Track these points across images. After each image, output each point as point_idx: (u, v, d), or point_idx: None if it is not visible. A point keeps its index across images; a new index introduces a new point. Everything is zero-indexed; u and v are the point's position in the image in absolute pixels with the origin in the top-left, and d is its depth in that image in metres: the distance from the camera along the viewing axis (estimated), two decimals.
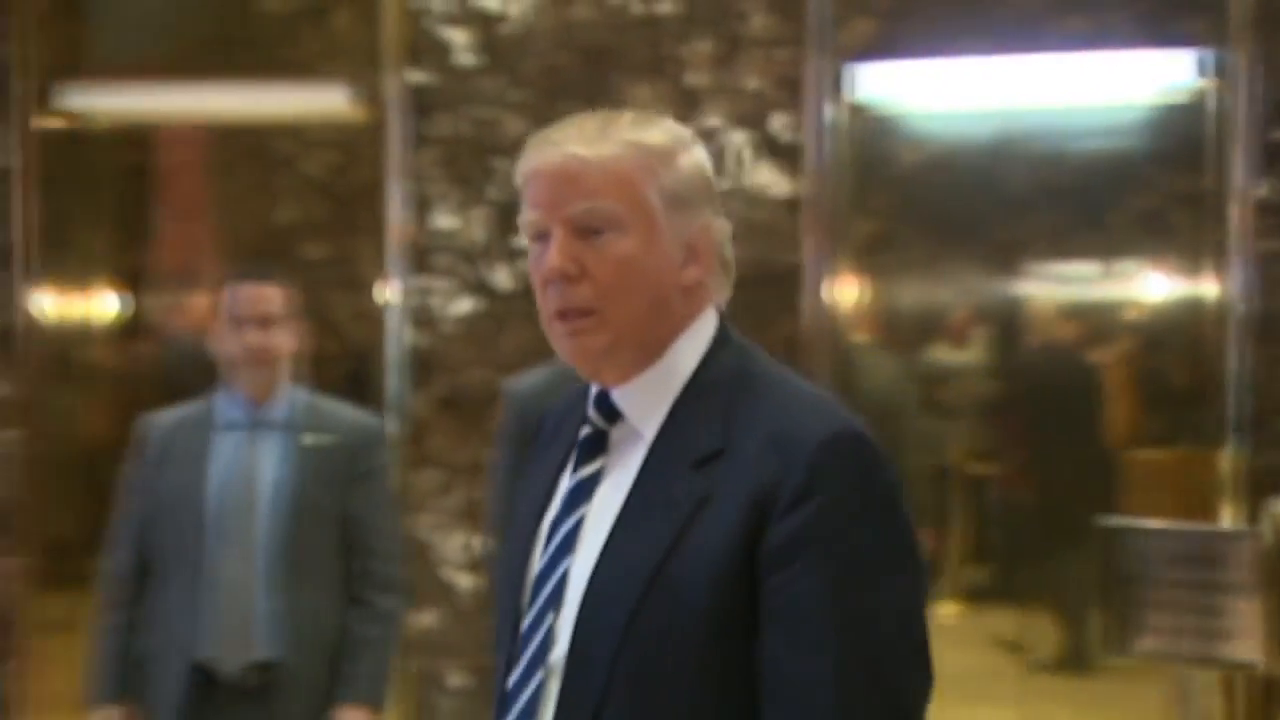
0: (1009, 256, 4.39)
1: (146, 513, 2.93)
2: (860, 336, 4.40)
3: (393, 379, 4.28)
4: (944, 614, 4.42)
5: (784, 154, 4.15)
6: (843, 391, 4.15)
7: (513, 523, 1.50)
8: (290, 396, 2.95)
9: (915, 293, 4.51)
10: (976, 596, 4.52)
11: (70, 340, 4.75)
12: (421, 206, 4.32)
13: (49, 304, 4.57)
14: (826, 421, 1.29)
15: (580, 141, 1.36)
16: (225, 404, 2.93)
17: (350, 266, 4.61)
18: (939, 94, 4.35)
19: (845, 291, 4.27)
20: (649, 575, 1.30)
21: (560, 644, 1.35)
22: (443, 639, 4.25)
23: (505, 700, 1.39)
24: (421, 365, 4.31)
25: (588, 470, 1.42)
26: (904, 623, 1.26)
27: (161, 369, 4.78)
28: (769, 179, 4.16)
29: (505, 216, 4.28)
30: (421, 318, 4.31)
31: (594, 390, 1.42)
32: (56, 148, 4.62)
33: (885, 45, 4.16)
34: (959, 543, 4.59)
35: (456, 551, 4.26)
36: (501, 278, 4.28)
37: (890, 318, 4.50)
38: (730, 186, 4.14)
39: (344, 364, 4.55)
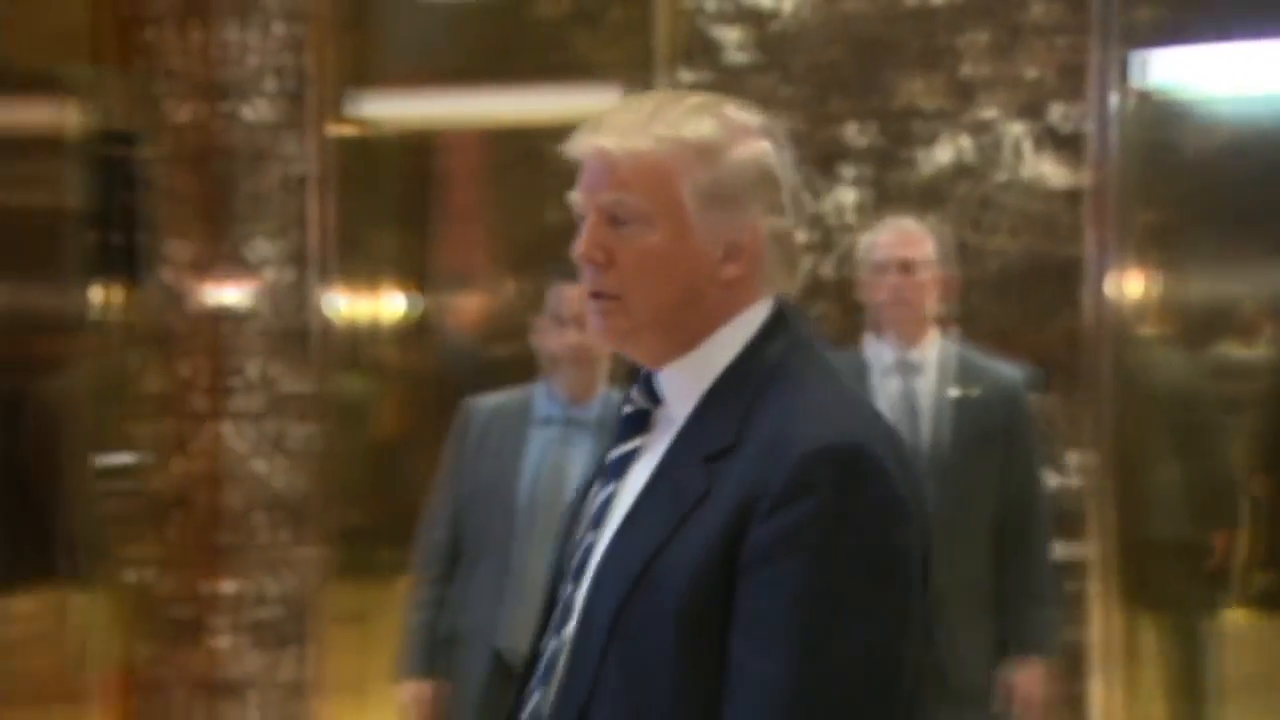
0: None
1: (462, 496, 3.03)
2: (1145, 331, 4.24)
3: None
4: (1234, 620, 4.24)
5: (1065, 144, 4.02)
6: (1126, 388, 4.05)
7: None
8: (605, 398, 2.99)
9: (1203, 286, 4.31)
10: (1268, 602, 4.31)
11: (361, 338, 4.93)
12: None
13: (342, 304, 4.77)
14: (828, 429, 1.25)
15: (619, 132, 1.38)
16: (543, 399, 3.00)
17: None
18: (1230, 79, 4.16)
19: (1129, 285, 4.13)
20: (639, 568, 1.29)
21: (573, 619, 1.37)
22: None
23: (532, 661, 1.42)
24: None
25: (626, 447, 1.43)
26: (872, 651, 1.20)
27: (442, 366, 4.98)
28: (1049, 170, 4.04)
29: None
30: None
31: (643, 371, 1.43)
32: (348, 154, 4.81)
33: (1173, 30, 4.01)
34: (1247, 546, 4.38)
35: None
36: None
37: (1177, 312, 4.30)
38: (1006, 179, 4.05)
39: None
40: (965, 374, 3.15)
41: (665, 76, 4.32)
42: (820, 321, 4.25)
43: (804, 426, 1.26)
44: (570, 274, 2.98)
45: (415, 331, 5.03)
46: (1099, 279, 4.00)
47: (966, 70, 4.10)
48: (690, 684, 1.25)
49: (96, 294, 4.39)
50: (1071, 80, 4.00)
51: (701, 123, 1.36)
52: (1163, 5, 3.99)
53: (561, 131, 4.64)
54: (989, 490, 3.09)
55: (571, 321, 2.91)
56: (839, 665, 1.19)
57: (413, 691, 3.03)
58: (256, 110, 4.65)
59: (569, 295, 2.90)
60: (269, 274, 4.62)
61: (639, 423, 1.43)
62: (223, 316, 4.62)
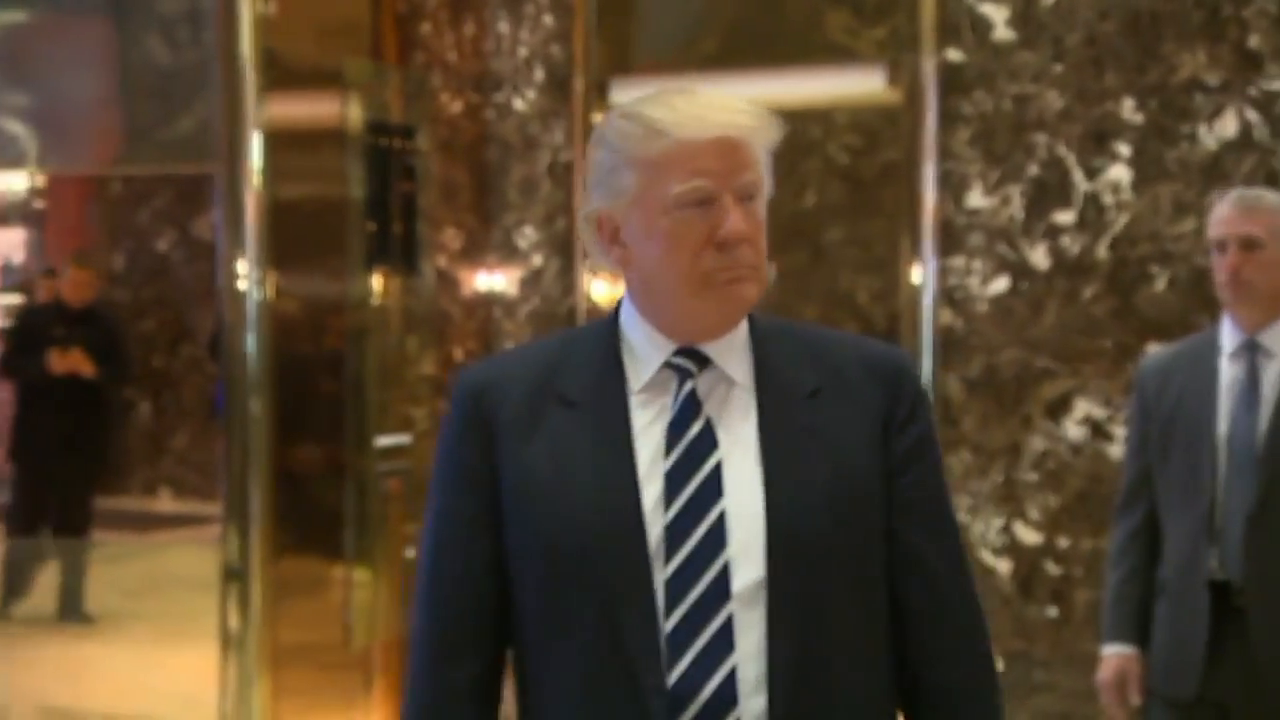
0: None
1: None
2: None
3: (925, 360, 4.24)
4: None
5: None
6: None
7: (547, 485, 1.49)
8: None
9: None
10: None
11: None
12: (955, 186, 4.26)
13: (605, 289, 4.77)
14: (893, 351, 1.62)
15: (739, 113, 1.47)
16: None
17: (874, 249, 4.59)
18: None
19: None
20: (824, 498, 1.45)
21: (743, 575, 1.43)
22: None
23: (673, 643, 1.42)
24: (953, 346, 4.27)
25: (699, 422, 1.49)
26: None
27: None
28: None
29: (1042, 194, 4.14)
30: (954, 298, 4.27)
31: (668, 347, 1.51)
32: None
33: None
34: None
35: (993, 535, 4.21)
36: (1038, 256, 4.15)
37: None
38: None
39: None
40: None
41: (931, 56, 4.21)
42: (1091, 304, 4.12)
43: (882, 352, 1.57)
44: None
45: None
46: None
47: (1253, 42, 3.90)
48: (877, 581, 1.50)
49: (376, 281, 4.51)
50: None
51: (760, 108, 1.51)
52: None
53: (819, 114, 4.57)
54: None
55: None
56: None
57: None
58: (525, 100, 4.73)
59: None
60: (537, 260, 4.70)
61: (696, 398, 1.51)
62: (494, 301, 4.72)
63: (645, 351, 1.52)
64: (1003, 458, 4.17)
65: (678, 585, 1.44)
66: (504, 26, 4.74)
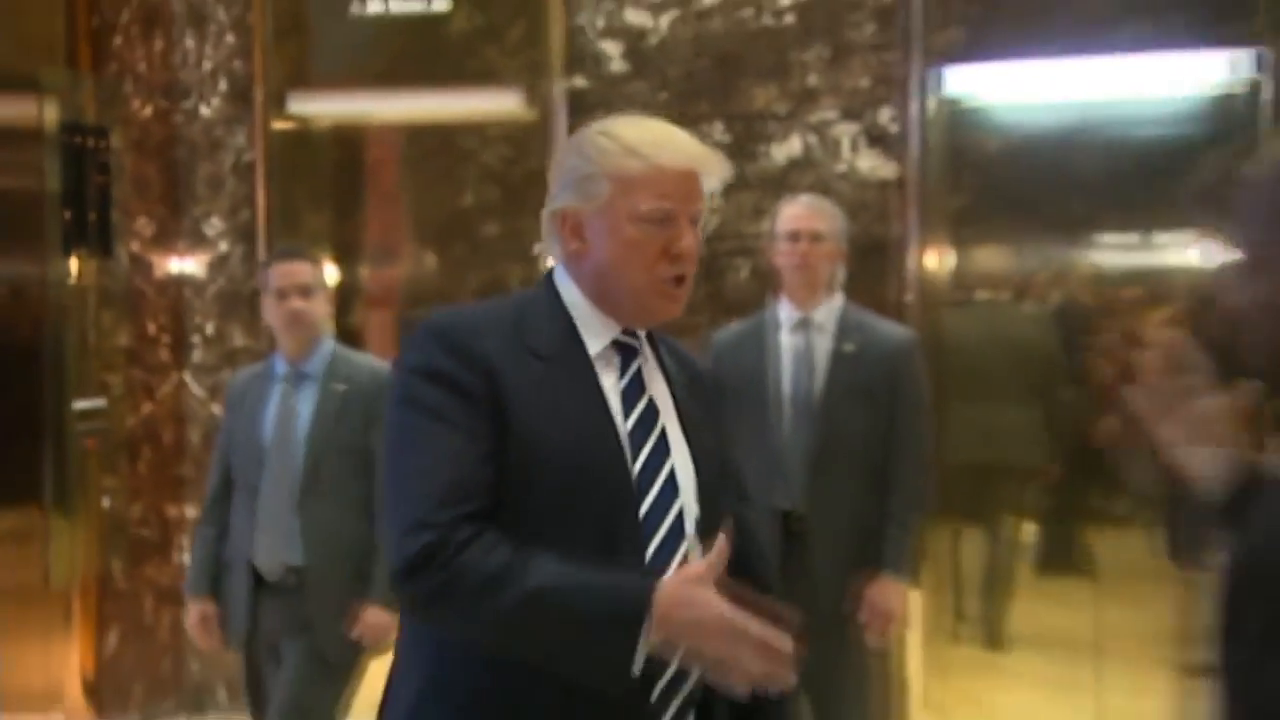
0: (1081, 230, 4.83)
1: (228, 450, 3.36)
2: (951, 298, 4.87)
3: None
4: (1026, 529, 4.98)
5: (886, 143, 4.63)
6: (935, 344, 4.66)
7: (548, 427, 1.65)
8: (323, 352, 3.30)
9: (999, 260, 4.94)
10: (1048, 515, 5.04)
11: None
12: None
13: None
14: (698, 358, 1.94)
15: (702, 151, 1.75)
16: (278, 361, 3.34)
17: (521, 242, 5.15)
18: (1019, 90, 4.75)
19: (939, 259, 4.72)
20: (717, 460, 1.79)
21: (689, 517, 1.70)
22: None
23: (648, 568, 1.65)
24: None
25: (646, 394, 1.74)
26: None
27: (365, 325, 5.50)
28: (874, 163, 4.66)
29: None
30: None
31: (613, 327, 1.74)
32: (288, 145, 5.20)
33: (971, 49, 4.61)
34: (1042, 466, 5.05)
35: None
36: None
37: (977, 282, 4.93)
38: (840, 171, 4.66)
39: None
40: (854, 331, 3.36)
41: (561, 83, 4.86)
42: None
43: (688, 353, 1.90)
44: (288, 254, 3.37)
45: (345, 297, 5.48)
46: (916, 254, 4.63)
47: (808, 80, 4.72)
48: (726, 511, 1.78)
49: (73, 264, 4.85)
50: (890, 89, 4.64)
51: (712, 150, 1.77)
52: (962, 28, 4.62)
53: (470, 128, 5.36)
54: (871, 432, 3.28)
55: (290, 293, 3.22)
56: None
57: (200, 609, 3.34)
58: (210, 107, 5.11)
59: (285, 270, 3.25)
60: (223, 246, 5.06)
61: (639, 371, 1.75)
62: (184, 283, 5.05)
63: (593, 327, 1.73)
64: None
65: (648, 527, 1.66)
66: (190, 42, 5.09)
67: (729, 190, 4.73)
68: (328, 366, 3.29)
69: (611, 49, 4.90)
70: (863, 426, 3.31)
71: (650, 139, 1.71)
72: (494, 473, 1.60)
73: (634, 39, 4.87)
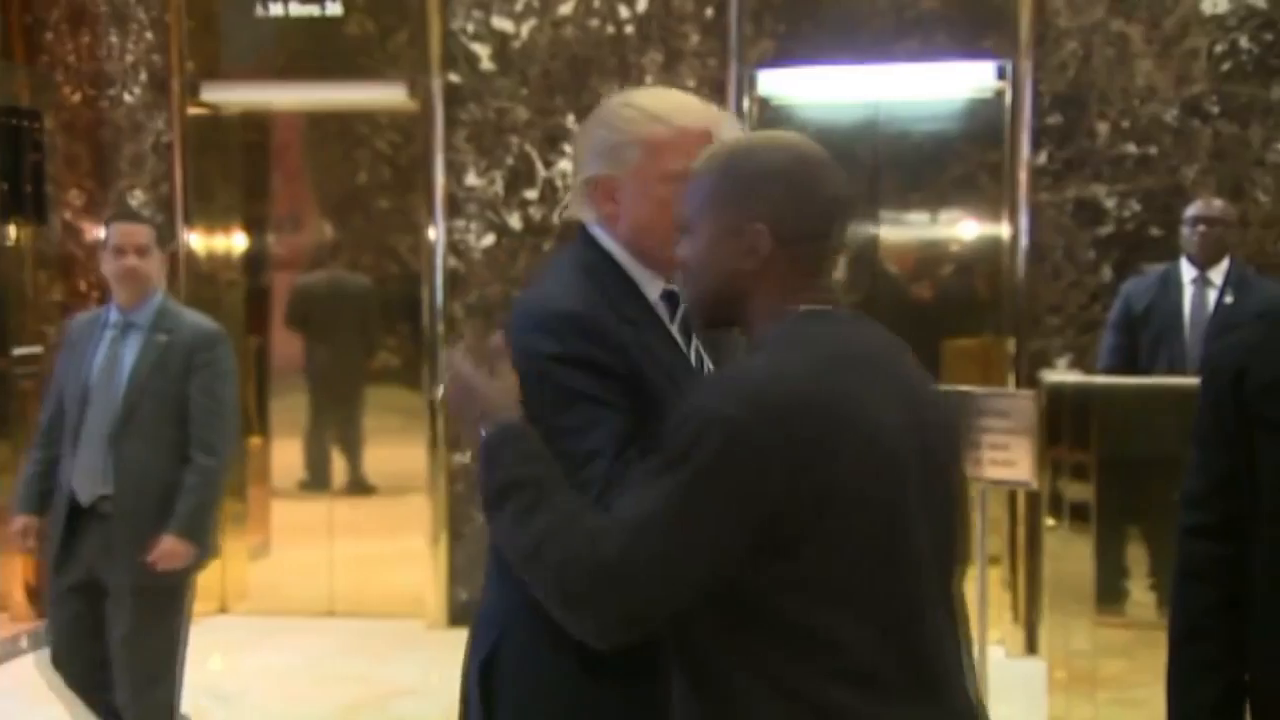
0: (867, 209, 5.65)
1: (61, 385, 3.59)
2: None
3: (438, 293, 5.66)
4: None
5: None
6: None
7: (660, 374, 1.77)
8: (152, 306, 3.49)
9: None
10: None
11: (217, 265, 6.01)
12: (457, 171, 5.65)
13: (197, 240, 5.83)
14: None
15: (717, 112, 1.86)
16: (111, 310, 3.54)
17: (408, 215, 5.89)
18: (819, 91, 5.55)
19: None
20: None
21: None
22: (476, 472, 5.63)
23: None
24: (458, 283, 5.67)
25: (694, 338, 1.87)
26: None
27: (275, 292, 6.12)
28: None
29: (516, 178, 5.60)
30: (458, 249, 5.67)
31: (658, 279, 1.86)
32: (202, 128, 5.82)
33: (782, 57, 5.44)
34: None
35: None
36: (514, 221, 5.64)
37: None
38: None
39: (404, 283, 5.93)
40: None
41: (438, 78, 5.60)
42: (550, 255, 5.64)
43: None
44: (127, 216, 3.84)
45: (253, 261, 6.16)
46: None
47: (647, 81, 5.48)
48: None
49: (11, 230, 5.46)
50: (715, 90, 5.45)
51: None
52: (773, 40, 5.44)
53: (363, 116, 6.32)
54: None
55: (127, 250, 3.44)
56: None
57: (23, 522, 3.57)
58: (133, 95, 5.76)
59: (125, 230, 3.50)
60: (145, 215, 5.48)
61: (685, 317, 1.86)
62: None
63: (644, 282, 1.85)
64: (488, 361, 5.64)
65: None
66: (114, 38, 5.72)
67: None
68: (154, 319, 3.48)
69: (481, 50, 5.66)
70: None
71: (671, 106, 1.82)
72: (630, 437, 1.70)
73: (500, 42, 5.63)
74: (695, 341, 1.87)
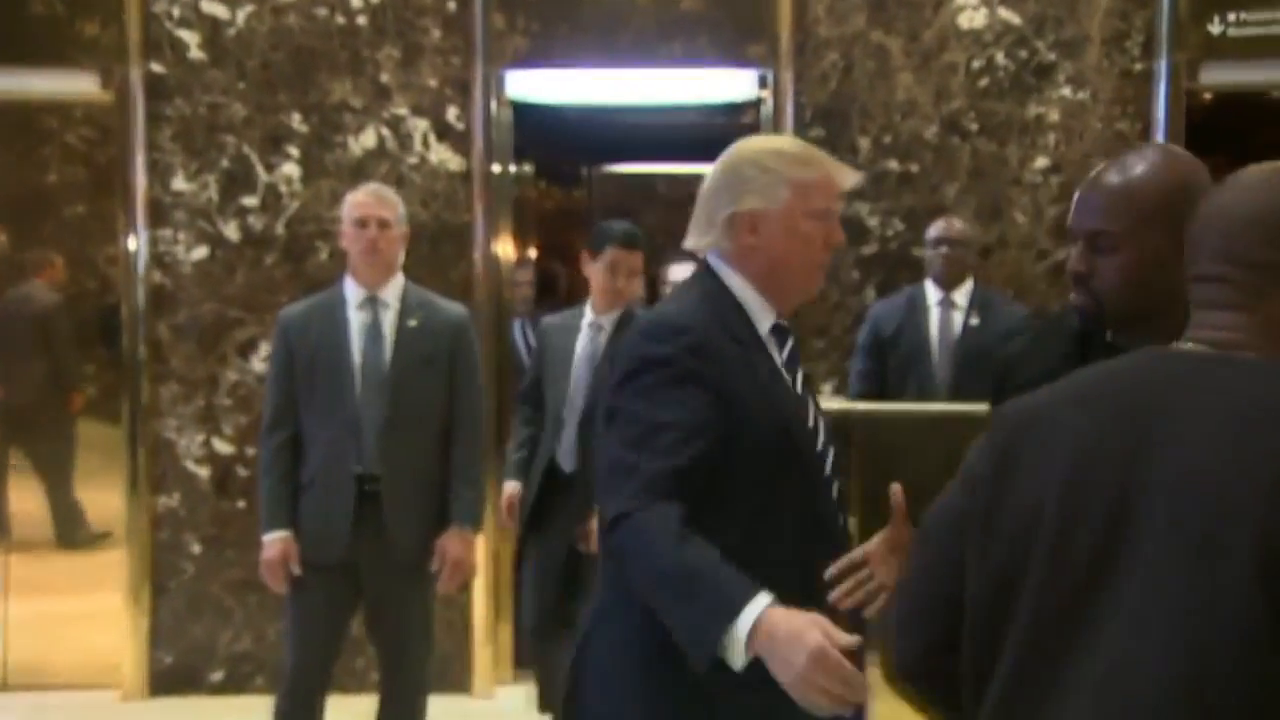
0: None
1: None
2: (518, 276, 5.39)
3: (138, 311, 5.05)
4: None
5: (456, 137, 5.05)
6: (501, 319, 5.15)
7: (764, 404, 2.01)
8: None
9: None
10: None
11: None
12: (162, 172, 5.05)
13: None
14: None
15: (844, 166, 2.12)
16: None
17: (106, 222, 5.20)
18: (574, 94, 5.28)
19: (505, 244, 5.18)
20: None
21: (829, 462, 2.10)
22: (184, 517, 5.12)
23: (822, 519, 2.05)
24: (163, 300, 5.06)
25: (800, 369, 2.13)
26: None
27: None
28: (446, 156, 5.06)
29: (232, 182, 5.04)
30: (163, 261, 5.07)
31: (771, 312, 2.09)
32: None
33: (534, 57, 5.08)
34: None
35: (195, 448, 5.11)
36: (231, 230, 5.07)
37: None
38: (415, 162, 5.03)
39: (100, 300, 5.28)
40: (417, 308, 3.66)
41: (138, 67, 5.00)
42: (272, 269, 5.12)
43: None
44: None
45: None
46: (484, 240, 5.05)
47: (382, 77, 5.06)
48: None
49: None
50: (460, 89, 5.05)
51: None
52: (525, 37, 5.07)
53: (52, 108, 5.35)
54: (435, 399, 3.61)
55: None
56: None
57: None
58: None
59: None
60: None
61: (794, 350, 2.14)
62: None
63: (758, 313, 2.08)
64: (204, 387, 5.09)
65: (828, 473, 2.09)
66: None
67: (310, 177, 5.07)
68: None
69: (189, 37, 5.08)
70: (427, 394, 3.62)
71: (813, 154, 2.10)
72: (709, 446, 1.90)
73: (212, 29, 5.07)
74: (800, 372, 2.10)
